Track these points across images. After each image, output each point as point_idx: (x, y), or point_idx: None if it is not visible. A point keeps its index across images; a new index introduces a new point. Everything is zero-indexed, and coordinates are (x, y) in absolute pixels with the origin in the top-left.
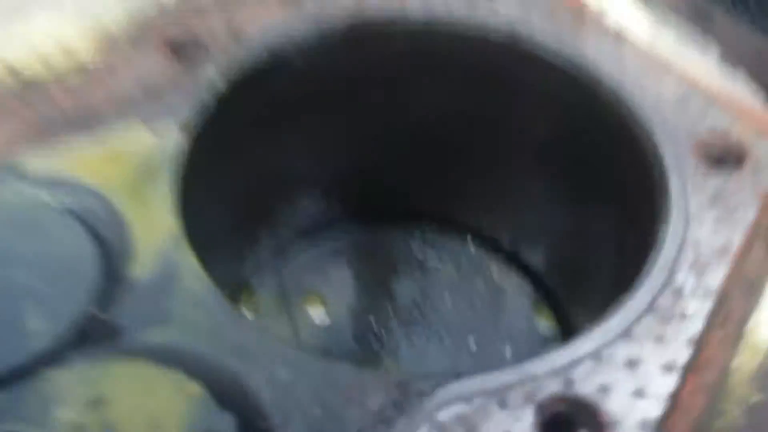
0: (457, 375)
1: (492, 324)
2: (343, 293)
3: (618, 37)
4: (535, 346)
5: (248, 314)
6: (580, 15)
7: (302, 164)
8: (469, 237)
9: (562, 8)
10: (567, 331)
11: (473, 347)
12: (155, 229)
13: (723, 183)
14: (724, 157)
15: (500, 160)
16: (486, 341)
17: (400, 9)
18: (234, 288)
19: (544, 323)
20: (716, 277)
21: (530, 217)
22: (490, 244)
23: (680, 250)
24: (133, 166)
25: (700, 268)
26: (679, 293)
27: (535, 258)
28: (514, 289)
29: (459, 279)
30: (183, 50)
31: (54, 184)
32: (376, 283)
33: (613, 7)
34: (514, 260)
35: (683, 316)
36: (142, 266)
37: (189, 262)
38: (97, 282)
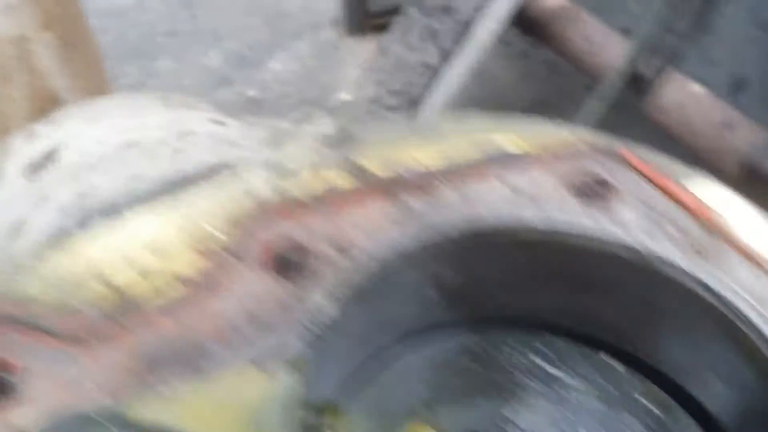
0: None
1: None
2: (453, 413)
3: (761, 264)
4: None
5: None
6: (717, 233)
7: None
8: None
9: (697, 224)
10: None
11: None
12: None
13: None
14: None
15: None
16: None
17: (517, 217)
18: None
19: None
20: None
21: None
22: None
23: None
24: (241, 419)
25: None
26: None
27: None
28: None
29: (607, 409)
30: (288, 265)
31: None
32: (493, 404)
33: (751, 229)
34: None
35: None
36: None
37: None
38: None
